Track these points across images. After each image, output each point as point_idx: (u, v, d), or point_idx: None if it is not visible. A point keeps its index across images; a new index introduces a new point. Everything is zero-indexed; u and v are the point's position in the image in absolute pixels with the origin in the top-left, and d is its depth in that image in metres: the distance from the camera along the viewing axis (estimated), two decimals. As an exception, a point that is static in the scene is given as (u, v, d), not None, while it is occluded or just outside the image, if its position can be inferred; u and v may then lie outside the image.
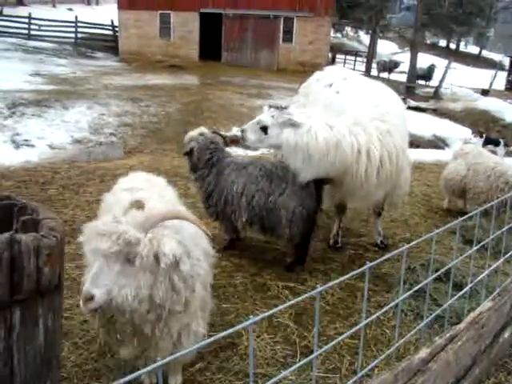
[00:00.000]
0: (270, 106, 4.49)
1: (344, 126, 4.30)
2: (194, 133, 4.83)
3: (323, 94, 5.14)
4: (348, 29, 46.42)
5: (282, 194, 4.42)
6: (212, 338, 1.21)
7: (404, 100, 21.05)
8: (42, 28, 27.74)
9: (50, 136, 10.41)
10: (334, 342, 1.72)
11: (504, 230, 3.32)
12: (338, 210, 5.29)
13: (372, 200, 4.86)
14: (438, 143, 13.76)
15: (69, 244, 4.99)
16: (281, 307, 1.47)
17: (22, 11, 32.35)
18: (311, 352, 3.43)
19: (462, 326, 2.62)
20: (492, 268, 3.19)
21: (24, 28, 27.29)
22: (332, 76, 5.35)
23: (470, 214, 2.92)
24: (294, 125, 4.23)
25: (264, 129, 4.38)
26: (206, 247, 2.71)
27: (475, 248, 2.84)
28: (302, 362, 1.56)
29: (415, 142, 13.13)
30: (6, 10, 33.02)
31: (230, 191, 4.57)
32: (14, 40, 26.10)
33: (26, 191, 6.61)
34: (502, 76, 32.64)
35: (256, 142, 4.52)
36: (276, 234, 4.58)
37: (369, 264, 1.82)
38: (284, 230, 4.44)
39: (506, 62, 38.62)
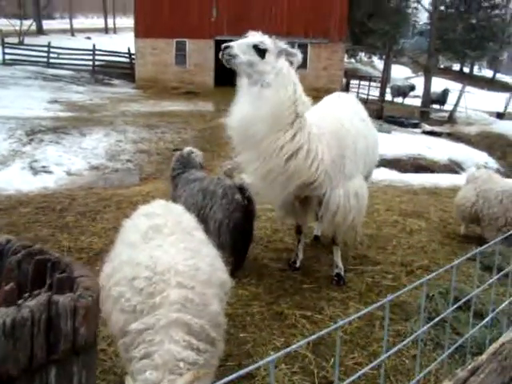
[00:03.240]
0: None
1: None
2: (177, 153, 5.35)
3: None
4: (362, 54, 46.74)
5: (212, 208, 4.75)
6: (233, 376, 1.20)
7: (418, 124, 21.10)
8: (61, 56, 28.33)
9: (68, 162, 10.58)
10: (355, 376, 1.69)
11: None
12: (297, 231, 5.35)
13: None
14: (453, 167, 13.68)
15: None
16: (302, 342, 1.46)
17: (42, 40, 33.16)
18: (330, 383, 3.39)
19: (484, 357, 2.56)
20: (513, 297, 3.13)
21: (43, 56, 27.91)
22: (326, 98, 5.36)
23: (490, 244, 2.88)
24: (290, 54, 4.23)
25: (261, 52, 4.09)
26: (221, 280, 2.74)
27: (496, 277, 2.79)
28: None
29: (430, 167, 13.11)
30: (27, 40, 33.87)
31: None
32: (34, 68, 26.70)
33: (43, 218, 6.69)
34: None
35: (244, 64, 4.08)
36: None
37: (389, 297, 1.80)
38: (214, 240, 4.62)
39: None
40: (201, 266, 2.58)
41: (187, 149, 5.54)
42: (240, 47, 4.07)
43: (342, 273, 5.03)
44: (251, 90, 4.16)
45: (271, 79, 4.09)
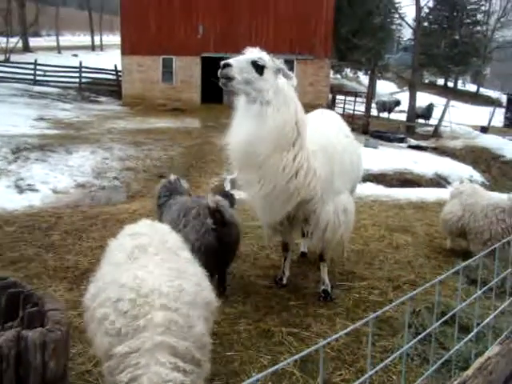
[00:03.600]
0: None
1: None
2: (163, 181, 5.28)
3: None
4: (347, 70, 47.26)
5: (186, 227, 4.56)
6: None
7: (404, 139, 21.30)
8: (48, 73, 28.26)
9: (54, 180, 10.50)
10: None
11: (510, 270, 3.29)
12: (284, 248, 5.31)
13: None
14: (439, 181, 13.79)
15: (72, 291, 4.98)
16: (289, 360, 1.46)
17: (29, 57, 33.12)
18: (317, 401, 3.37)
19: (469, 372, 2.57)
20: (499, 310, 3.15)
21: (30, 74, 27.84)
22: (310, 115, 5.24)
23: (475, 258, 2.91)
24: (287, 76, 4.16)
25: (259, 68, 4.03)
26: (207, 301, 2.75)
27: (481, 291, 2.81)
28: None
29: (417, 181, 13.20)
30: (14, 57, 33.80)
31: None
32: (20, 85, 26.59)
33: (29, 237, 6.62)
34: (500, 113, 32.99)
35: (242, 83, 4.02)
36: None
37: (373, 314, 1.81)
38: None
39: (503, 99, 39.19)
40: (185, 286, 2.57)
41: (173, 176, 5.49)
42: (238, 64, 4.01)
43: (329, 289, 5.03)
44: (250, 108, 4.10)
45: (270, 97, 4.04)
